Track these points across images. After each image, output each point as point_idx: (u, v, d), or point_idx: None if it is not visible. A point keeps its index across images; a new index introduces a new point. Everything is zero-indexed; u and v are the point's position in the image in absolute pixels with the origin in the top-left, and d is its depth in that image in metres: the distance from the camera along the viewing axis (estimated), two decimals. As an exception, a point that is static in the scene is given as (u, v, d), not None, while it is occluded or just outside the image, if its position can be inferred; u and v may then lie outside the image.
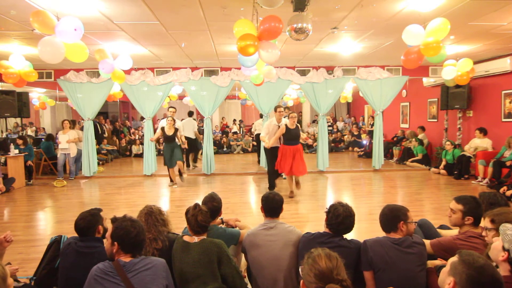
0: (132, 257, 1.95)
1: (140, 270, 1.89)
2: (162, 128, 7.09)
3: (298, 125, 6.13)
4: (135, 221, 2.01)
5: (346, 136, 14.31)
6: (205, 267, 2.23)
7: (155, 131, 8.75)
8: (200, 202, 2.74)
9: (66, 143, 8.15)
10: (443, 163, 8.45)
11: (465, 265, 1.43)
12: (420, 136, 9.99)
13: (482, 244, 2.23)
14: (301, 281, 1.56)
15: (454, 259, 1.52)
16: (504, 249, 1.71)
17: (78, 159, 8.66)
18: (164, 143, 7.24)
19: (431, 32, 4.46)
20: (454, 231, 2.74)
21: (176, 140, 7.16)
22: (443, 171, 8.34)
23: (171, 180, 7.38)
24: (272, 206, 2.65)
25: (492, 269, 1.43)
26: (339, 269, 1.51)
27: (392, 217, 2.29)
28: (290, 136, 5.92)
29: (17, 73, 5.82)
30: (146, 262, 1.94)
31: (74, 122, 9.10)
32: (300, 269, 1.60)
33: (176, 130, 7.17)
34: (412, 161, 9.62)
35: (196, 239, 2.34)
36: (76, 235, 2.41)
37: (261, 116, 9.35)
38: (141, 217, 2.52)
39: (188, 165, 7.90)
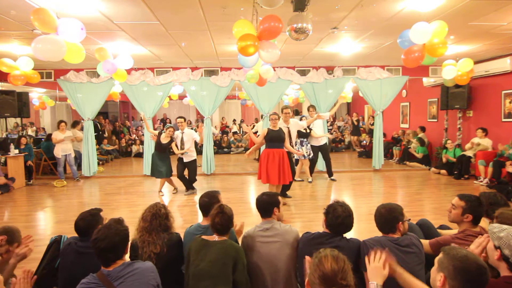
0: (111, 264, 1.90)
1: (126, 277, 1.85)
2: (160, 133, 6.58)
3: (282, 128, 5.59)
4: (105, 227, 1.94)
5: (346, 136, 14.35)
6: (219, 268, 2.20)
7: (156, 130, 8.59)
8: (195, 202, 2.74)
9: (69, 142, 8.15)
10: (444, 160, 8.45)
11: (449, 258, 1.51)
12: (419, 136, 9.96)
13: None
14: (306, 280, 1.55)
15: (439, 256, 1.60)
16: (495, 247, 1.75)
17: (75, 159, 8.67)
18: (155, 151, 6.67)
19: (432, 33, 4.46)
20: (454, 231, 2.74)
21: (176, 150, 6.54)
22: (443, 171, 8.34)
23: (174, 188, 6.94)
24: (260, 206, 2.66)
25: (475, 257, 1.52)
26: (345, 273, 1.48)
27: (390, 218, 2.29)
28: (273, 139, 5.42)
29: (24, 74, 5.83)
30: (131, 268, 1.90)
31: (78, 122, 9.11)
32: (307, 268, 1.58)
33: (171, 141, 6.53)
34: (412, 161, 9.61)
35: (216, 237, 2.35)
36: (76, 235, 2.41)
37: (261, 117, 9.33)
38: (147, 215, 2.52)
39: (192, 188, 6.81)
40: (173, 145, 6.55)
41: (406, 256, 2.16)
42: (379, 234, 2.38)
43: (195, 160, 6.69)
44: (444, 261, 1.54)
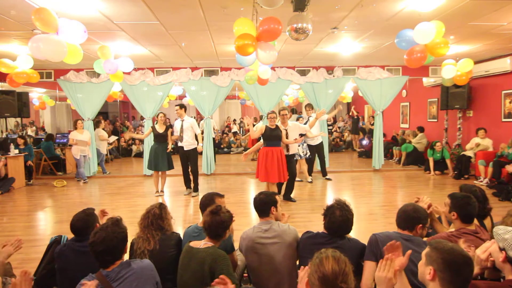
0: (109, 264, 1.89)
1: (125, 277, 1.85)
2: (153, 126, 6.51)
3: (279, 125, 5.64)
4: (102, 229, 1.92)
5: (345, 135, 14.38)
6: (199, 282, 2.06)
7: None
8: (198, 203, 2.73)
9: (86, 144, 8.02)
10: (431, 163, 8.45)
11: (437, 251, 1.55)
12: (418, 137, 9.92)
13: (476, 241, 2.22)
14: (306, 280, 1.53)
15: (426, 250, 1.63)
16: (500, 249, 1.74)
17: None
18: (154, 142, 6.54)
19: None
20: (451, 229, 2.74)
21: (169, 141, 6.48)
22: (437, 172, 8.38)
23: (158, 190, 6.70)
24: (257, 206, 2.65)
25: (460, 248, 1.58)
26: (346, 276, 1.45)
27: (414, 217, 2.26)
28: (271, 137, 5.49)
29: (25, 72, 5.81)
30: (129, 267, 1.90)
31: (100, 121, 9.22)
32: (308, 267, 1.56)
33: (168, 128, 6.50)
34: (404, 163, 9.67)
35: (202, 243, 2.21)
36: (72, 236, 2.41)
37: (261, 117, 9.33)
38: (143, 213, 2.57)
39: (195, 189, 6.69)
40: (169, 132, 6.44)
41: (415, 255, 2.13)
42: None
43: (196, 149, 6.52)
44: (432, 254, 1.56)
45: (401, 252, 1.82)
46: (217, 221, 2.20)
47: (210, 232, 2.22)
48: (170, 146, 6.45)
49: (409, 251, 1.74)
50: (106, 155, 11.21)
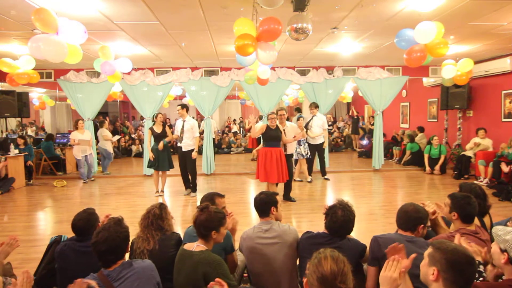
0: (111, 264, 1.89)
1: (127, 277, 1.86)
2: (151, 128, 6.53)
3: (279, 126, 5.67)
4: (104, 229, 1.92)
5: (346, 131, 14.47)
6: (192, 284, 2.06)
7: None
8: (198, 203, 2.72)
9: (88, 144, 7.98)
10: (426, 160, 8.51)
11: (441, 252, 1.55)
12: (418, 137, 9.95)
13: (475, 241, 2.22)
14: (305, 280, 1.53)
15: (429, 251, 1.62)
16: (502, 251, 1.73)
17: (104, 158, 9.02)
18: (154, 142, 6.51)
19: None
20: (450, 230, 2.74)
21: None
22: (436, 171, 8.40)
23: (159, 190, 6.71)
24: (258, 206, 2.65)
25: (463, 248, 1.58)
26: (345, 276, 1.44)
27: (416, 218, 2.26)
28: (271, 137, 5.51)
29: (26, 73, 5.80)
30: (131, 267, 1.90)
31: (104, 121, 9.25)
32: (307, 267, 1.56)
33: (165, 126, 6.51)
34: (404, 163, 9.68)
35: (195, 245, 2.19)
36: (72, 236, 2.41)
37: (260, 118, 9.33)
38: (144, 213, 2.57)
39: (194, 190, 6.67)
40: (167, 130, 6.43)
41: (419, 256, 2.12)
42: (379, 233, 2.36)
43: (193, 150, 6.46)
44: (436, 255, 1.56)
45: (405, 254, 1.81)
46: (200, 220, 2.17)
47: (198, 230, 2.21)
48: (161, 144, 6.32)
49: (413, 255, 1.73)
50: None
